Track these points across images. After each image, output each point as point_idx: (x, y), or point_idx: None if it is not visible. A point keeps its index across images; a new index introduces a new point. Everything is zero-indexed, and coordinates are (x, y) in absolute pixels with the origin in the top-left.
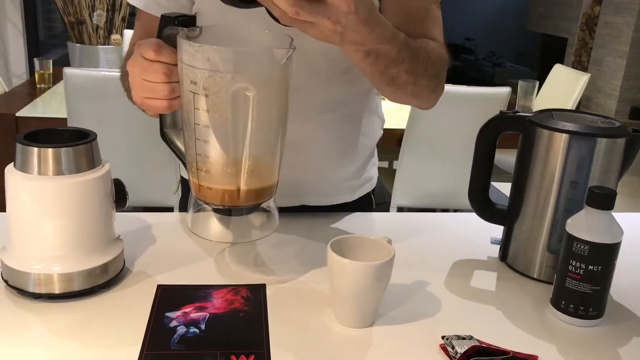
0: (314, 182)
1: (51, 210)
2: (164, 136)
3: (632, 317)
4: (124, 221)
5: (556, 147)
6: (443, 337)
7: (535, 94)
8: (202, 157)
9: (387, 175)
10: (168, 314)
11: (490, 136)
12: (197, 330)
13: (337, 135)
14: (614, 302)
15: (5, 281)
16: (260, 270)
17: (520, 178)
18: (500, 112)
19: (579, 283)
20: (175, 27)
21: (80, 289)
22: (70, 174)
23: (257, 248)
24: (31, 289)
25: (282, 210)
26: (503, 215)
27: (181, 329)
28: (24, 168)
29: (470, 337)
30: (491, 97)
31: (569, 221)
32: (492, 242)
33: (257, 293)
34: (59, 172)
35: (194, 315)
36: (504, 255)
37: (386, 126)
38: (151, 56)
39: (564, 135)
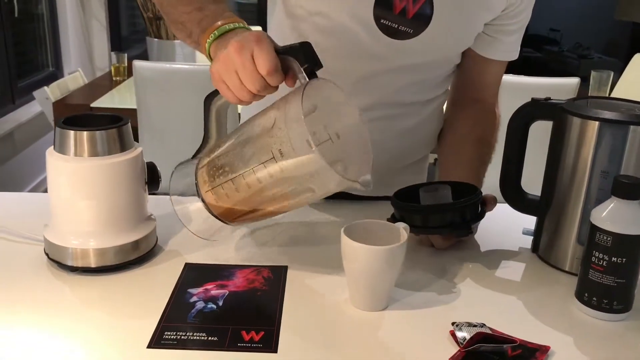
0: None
1: (85, 189)
2: (208, 101)
3: None
4: (163, 204)
5: (587, 135)
6: (453, 324)
7: (610, 85)
8: (229, 185)
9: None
10: (190, 290)
11: (522, 124)
12: (214, 306)
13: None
14: None
15: (47, 254)
16: (285, 252)
17: (552, 168)
18: (532, 99)
19: (602, 275)
20: (299, 66)
21: (112, 263)
22: (104, 155)
23: (287, 231)
24: (69, 263)
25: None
26: (535, 205)
27: (200, 304)
28: (62, 150)
29: (482, 325)
30: (559, 88)
31: (593, 211)
32: (524, 233)
33: (278, 274)
34: (93, 153)
35: (214, 292)
36: (535, 247)
37: None
38: (263, 72)
39: (595, 123)
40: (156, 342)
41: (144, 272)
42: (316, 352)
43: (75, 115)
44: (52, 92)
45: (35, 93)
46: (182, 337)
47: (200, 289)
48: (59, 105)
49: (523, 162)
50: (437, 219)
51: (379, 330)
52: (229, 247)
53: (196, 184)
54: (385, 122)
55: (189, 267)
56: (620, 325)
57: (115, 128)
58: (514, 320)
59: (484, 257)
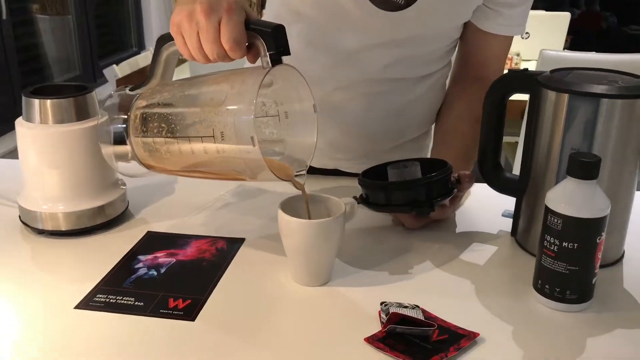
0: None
1: (50, 156)
2: (160, 43)
3: (633, 307)
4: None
5: (559, 110)
6: (382, 303)
7: None
8: (161, 143)
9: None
10: (140, 257)
11: (498, 96)
12: (155, 273)
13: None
14: (620, 289)
15: (20, 218)
16: (250, 224)
17: (528, 145)
18: (509, 70)
19: (553, 261)
20: (265, 49)
21: (77, 227)
22: (69, 122)
23: (264, 205)
24: (38, 226)
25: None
26: (513, 186)
27: (142, 271)
28: (28, 118)
29: (415, 307)
30: None
31: (549, 192)
32: (503, 215)
33: (232, 246)
34: (57, 121)
35: (161, 260)
36: (514, 231)
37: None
38: (225, 44)
39: (565, 96)
40: (84, 303)
41: (106, 237)
42: (234, 324)
43: (45, 86)
44: (121, 70)
45: (105, 71)
46: (111, 300)
47: (150, 256)
48: (122, 82)
49: (502, 137)
50: (399, 197)
51: (309, 306)
52: (198, 218)
53: (127, 121)
54: (374, 98)
55: (149, 235)
56: (574, 317)
57: (79, 96)
58: (458, 304)
59: (456, 239)
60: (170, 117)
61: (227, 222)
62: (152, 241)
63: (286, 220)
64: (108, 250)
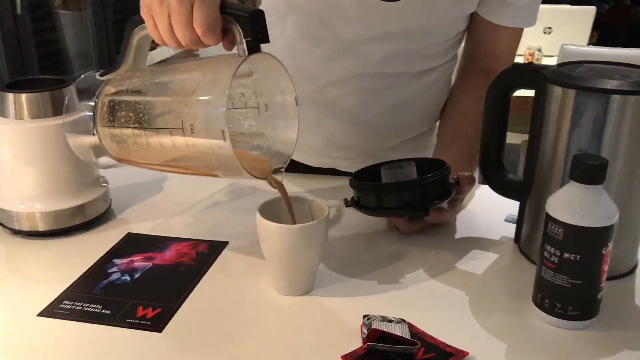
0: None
1: (25, 152)
2: (131, 27)
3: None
4: (138, 172)
5: (565, 107)
6: (365, 317)
7: None
8: (128, 134)
9: None
10: (115, 260)
11: (501, 92)
12: (128, 279)
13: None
14: (630, 305)
15: None
16: (236, 227)
17: (533, 145)
18: (513, 64)
19: (554, 274)
20: (241, 36)
21: (54, 228)
22: (45, 118)
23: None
24: (15, 226)
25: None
26: (516, 188)
27: (115, 276)
28: (3, 113)
29: (401, 321)
30: None
31: (550, 197)
32: (506, 220)
33: (214, 250)
34: (33, 116)
35: (137, 264)
36: (517, 237)
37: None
38: (197, 29)
39: (572, 92)
40: (48, 310)
41: (84, 238)
42: (203, 336)
43: (24, 79)
44: None
45: None
46: (77, 307)
47: (125, 260)
48: None
49: (504, 136)
50: (391, 199)
51: (288, 318)
52: (183, 218)
53: (94, 109)
54: (371, 94)
55: (128, 237)
56: (576, 335)
57: (56, 90)
58: (449, 319)
59: (455, 245)
60: (138, 106)
61: (213, 224)
62: (131, 244)
63: (264, 225)
64: (84, 253)
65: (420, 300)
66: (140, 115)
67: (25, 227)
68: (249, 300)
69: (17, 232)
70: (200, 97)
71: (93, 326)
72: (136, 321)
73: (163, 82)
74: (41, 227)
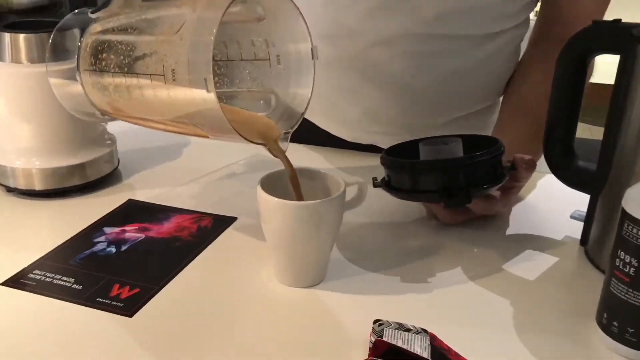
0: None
1: (23, 100)
2: None
3: None
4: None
5: None
6: (376, 322)
7: None
8: (109, 80)
9: None
10: (106, 229)
11: (575, 57)
12: (114, 250)
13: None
14: None
15: None
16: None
17: (614, 124)
18: (593, 21)
19: (627, 290)
20: None
21: (49, 187)
22: (45, 62)
23: None
24: (10, 184)
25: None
26: (588, 178)
27: (100, 246)
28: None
29: (422, 331)
30: None
31: (628, 190)
32: (572, 217)
33: (218, 226)
34: (33, 60)
35: (128, 234)
36: (584, 239)
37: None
38: None
39: None
40: (14, 280)
41: (81, 201)
42: (179, 328)
43: (25, 21)
44: None
45: None
46: (47, 279)
47: (117, 229)
48: None
49: (577, 113)
50: (427, 180)
51: (286, 314)
52: (193, 188)
53: (78, 50)
54: (423, 60)
55: (128, 204)
56: None
57: (59, 32)
58: (485, 334)
59: (504, 243)
60: (120, 46)
61: (224, 196)
62: (129, 211)
63: (265, 199)
64: (76, 217)
65: (450, 308)
66: (122, 57)
67: (21, 185)
68: (244, 288)
69: (10, 190)
70: (185, 36)
71: (57, 302)
72: (107, 301)
73: (150, 18)
74: (38, 185)
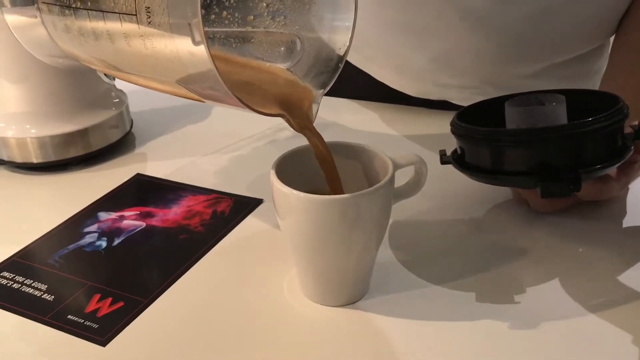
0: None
1: (3, 55)
2: None
3: None
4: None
5: None
6: None
7: None
8: (71, 20)
9: None
10: (101, 214)
11: None
12: (104, 245)
13: None
14: None
15: None
16: None
17: None
18: None
19: None
20: None
21: (44, 160)
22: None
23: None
24: (3, 156)
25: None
26: None
27: (89, 238)
28: None
29: None
30: None
31: None
32: None
33: (239, 211)
34: (16, 3)
35: (126, 223)
36: None
37: None
38: None
39: None
40: None
41: (81, 177)
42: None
43: None
44: None
45: None
46: (15, 285)
47: (114, 215)
48: None
49: None
50: (518, 159)
51: (314, 342)
52: (217, 161)
53: None
54: None
55: (136, 180)
56: None
57: None
58: None
59: (624, 239)
60: None
61: (255, 171)
62: (133, 190)
63: (280, 191)
64: (69, 198)
65: (550, 347)
66: None
67: (17, 158)
68: (257, 302)
69: (2, 163)
70: None
71: (18, 319)
72: (79, 320)
73: None
74: (35, 158)
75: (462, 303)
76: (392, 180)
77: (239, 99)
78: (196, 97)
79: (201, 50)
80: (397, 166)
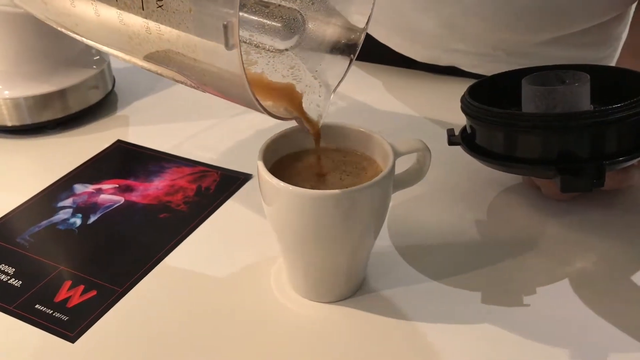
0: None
1: None
2: None
3: None
4: None
5: None
6: None
7: None
8: None
9: None
10: (77, 186)
11: None
12: (79, 223)
13: None
14: None
15: None
16: None
17: None
18: None
19: None
20: None
21: (19, 123)
22: None
23: None
24: None
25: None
26: None
27: (63, 214)
28: None
29: None
30: None
31: None
32: None
33: (226, 186)
34: None
35: (103, 197)
36: None
37: None
38: None
39: None
40: None
41: (58, 142)
42: (146, 356)
43: None
44: None
45: None
46: None
47: (91, 188)
48: None
49: None
50: (535, 146)
51: (302, 341)
52: (208, 129)
53: None
54: None
55: (117, 147)
56: None
57: None
58: None
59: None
60: None
61: (247, 140)
62: (114, 158)
63: (270, 185)
64: (44, 166)
65: (561, 353)
66: None
67: None
68: (245, 299)
69: None
70: None
71: None
72: (48, 310)
73: None
74: (9, 120)
75: (466, 303)
76: (392, 171)
77: (265, 109)
78: (186, 82)
79: (234, 57)
80: (398, 154)
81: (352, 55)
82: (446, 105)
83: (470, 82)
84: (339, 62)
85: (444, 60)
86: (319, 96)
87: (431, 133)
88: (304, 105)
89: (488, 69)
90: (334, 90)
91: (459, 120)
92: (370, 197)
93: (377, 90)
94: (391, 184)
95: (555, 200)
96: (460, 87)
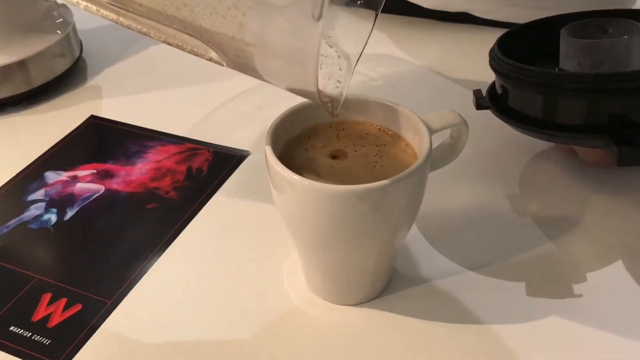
0: None
1: None
2: None
3: None
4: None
5: None
6: None
7: None
8: None
9: None
10: (48, 174)
11: None
12: (54, 219)
13: None
14: None
15: None
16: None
17: None
18: None
19: None
20: None
21: None
22: None
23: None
24: None
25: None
26: None
27: (35, 210)
28: None
29: None
30: None
31: None
32: None
33: (221, 168)
34: None
35: (81, 185)
36: None
37: None
38: None
39: None
40: None
41: (21, 122)
42: None
43: None
44: None
45: None
46: None
47: (66, 175)
48: None
49: None
50: (579, 110)
51: (324, 348)
52: (196, 98)
53: None
54: None
55: (90, 123)
56: None
57: None
58: None
59: None
60: None
61: (242, 112)
62: (88, 138)
63: (280, 175)
64: (8, 152)
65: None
66: None
67: None
68: (254, 303)
69: None
70: None
71: None
72: (25, 333)
73: None
74: None
75: (509, 296)
76: (430, 154)
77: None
78: (213, 58)
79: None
80: (432, 131)
81: (377, 10)
82: (461, 59)
83: (484, 30)
84: (358, 23)
85: (454, 6)
86: (340, 69)
87: (448, 92)
88: (320, 83)
89: (504, 15)
90: (357, 61)
91: (477, 75)
92: (405, 189)
93: (383, 44)
94: (428, 169)
95: (596, 165)
96: (474, 37)
